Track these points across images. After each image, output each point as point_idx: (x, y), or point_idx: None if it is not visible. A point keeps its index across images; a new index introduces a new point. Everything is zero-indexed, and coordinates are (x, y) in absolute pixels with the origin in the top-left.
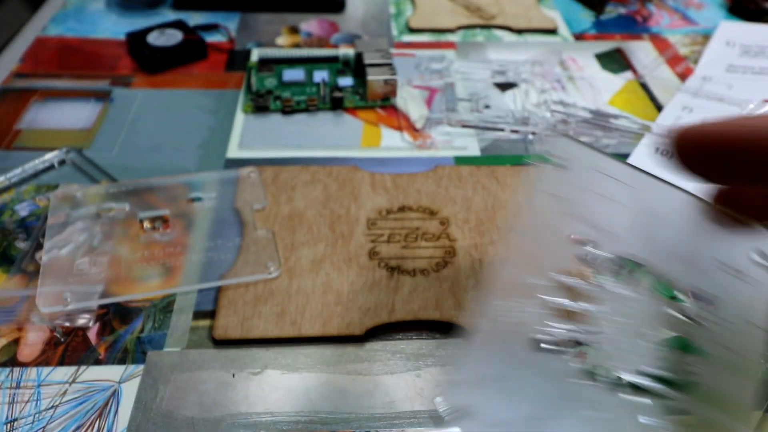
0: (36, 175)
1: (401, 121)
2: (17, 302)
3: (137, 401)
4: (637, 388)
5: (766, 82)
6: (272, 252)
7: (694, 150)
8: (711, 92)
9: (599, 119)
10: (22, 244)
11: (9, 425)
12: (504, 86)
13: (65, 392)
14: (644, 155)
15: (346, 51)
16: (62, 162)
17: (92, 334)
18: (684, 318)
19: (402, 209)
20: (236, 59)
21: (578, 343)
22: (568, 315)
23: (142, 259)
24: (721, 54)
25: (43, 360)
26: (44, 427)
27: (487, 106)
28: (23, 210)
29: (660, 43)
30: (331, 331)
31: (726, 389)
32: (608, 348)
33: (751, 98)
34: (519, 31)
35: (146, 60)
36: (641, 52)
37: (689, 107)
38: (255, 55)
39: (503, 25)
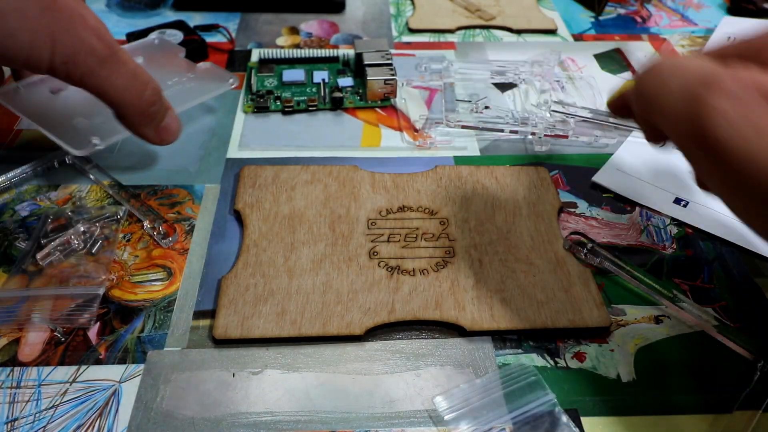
0: (36, 175)
1: (401, 121)
2: (17, 302)
3: (138, 401)
4: None
5: None
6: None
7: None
8: None
9: (598, 119)
10: (22, 244)
11: (9, 425)
12: (503, 86)
13: (65, 392)
14: (632, 150)
15: (346, 51)
16: (62, 162)
17: (93, 334)
18: None
19: (402, 209)
20: (236, 59)
21: None
22: None
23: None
24: None
25: (43, 360)
26: (45, 427)
27: (486, 107)
28: (24, 210)
29: (659, 43)
30: (331, 331)
31: None
32: None
33: None
34: (518, 32)
35: None
36: (640, 52)
37: None
38: (255, 55)
39: (503, 25)
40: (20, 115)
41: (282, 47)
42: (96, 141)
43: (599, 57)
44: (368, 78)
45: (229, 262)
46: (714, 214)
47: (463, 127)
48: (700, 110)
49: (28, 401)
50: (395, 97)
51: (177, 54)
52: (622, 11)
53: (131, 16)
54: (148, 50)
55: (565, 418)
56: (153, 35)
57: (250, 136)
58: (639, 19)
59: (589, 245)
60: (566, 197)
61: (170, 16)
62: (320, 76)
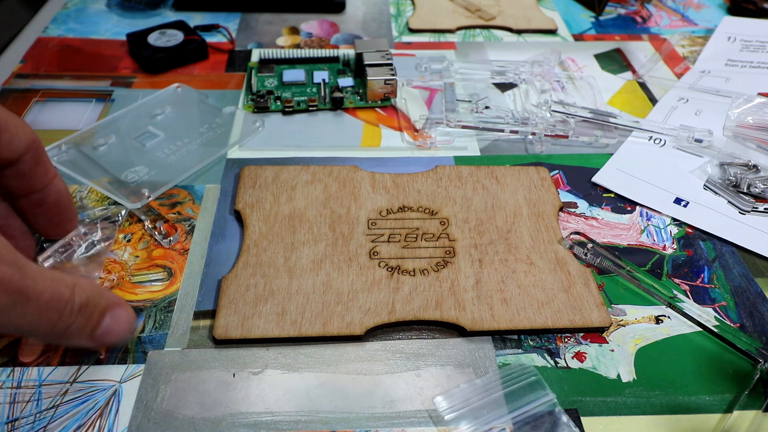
0: None
1: (401, 121)
2: None
3: (138, 401)
4: None
5: (763, 75)
6: None
7: None
8: (707, 84)
9: (599, 119)
10: None
11: (10, 425)
12: (504, 86)
13: (66, 392)
14: (632, 150)
15: (347, 51)
16: (63, 161)
17: None
18: None
19: (402, 209)
20: (237, 60)
21: None
22: None
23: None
24: (722, 48)
25: (44, 360)
26: (45, 427)
27: (486, 107)
28: None
29: (659, 43)
30: (331, 331)
31: None
32: None
33: (747, 91)
34: (519, 32)
35: (147, 61)
36: (640, 52)
37: (684, 98)
38: (255, 55)
39: (503, 25)
40: (69, 173)
41: (282, 47)
42: (147, 193)
43: (599, 57)
44: (368, 78)
45: (230, 262)
46: (714, 214)
47: (463, 127)
48: None
49: (29, 401)
50: (395, 97)
51: (202, 100)
52: (622, 11)
53: (131, 16)
54: (172, 100)
55: (565, 418)
56: (173, 85)
57: (251, 136)
58: (639, 19)
59: (589, 245)
60: (566, 197)
61: (170, 16)
62: (320, 76)
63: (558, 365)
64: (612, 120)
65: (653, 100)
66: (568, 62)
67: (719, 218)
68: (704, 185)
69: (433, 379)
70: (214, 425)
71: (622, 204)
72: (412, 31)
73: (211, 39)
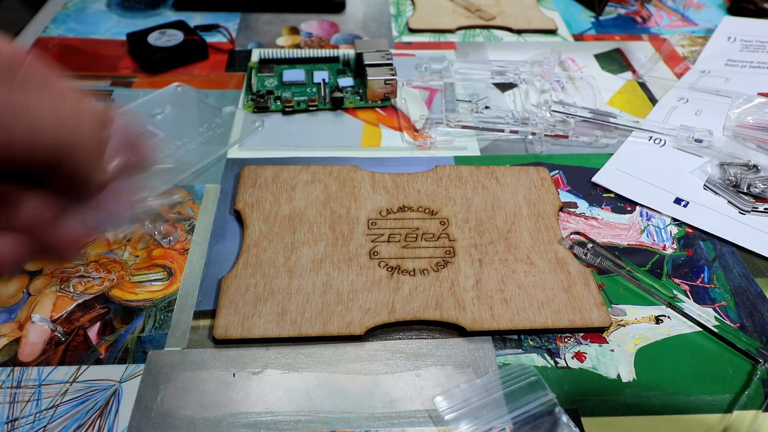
0: None
1: (401, 121)
2: (18, 302)
3: (138, 401)
4: None
5: (763, 75)
6: None
7: None
8: (707, 84)
9: (599, 119)
10: None
11: (10, 425)
12: (504, 86)
13: (66, 392)
14: (632, 150)
15: (347, 51)
16: None
17: (93, 334)
18: None
19: (402, 209)
20: (237, 60)
21: None
22: None
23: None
24: (722, 48)
25: (43, 360)
26: (45, 427)
27: (486, 107)
28: None
29: (659, 43)
30: (331, 331)
31: None
32: None
33: (747, 91)
34: (519, 32)
35: (147, 60)
36: (640, 52)
37: (684, 98)
38: (255, 55)
39: (503, 25)
40: None
41: (282, 47)
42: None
43: (599, 57)
44: (368, 78)
45: (230, 262)
46: (714, 214)
47: (463, 127)
48: None
49: (29, 401)
50: (395, 97)
51: (202, 100)
52: (622, 11)
53: (131, 16)
54: (172, 99)
55: (565, 418)
56: (173, 84)
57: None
58: (639, 19)
59: (589, 245)
60: (566, 197)
61: (170, 16)
62: (320, 76)
63: (558, 365)
64: (612, 120)
65: (653, 100)
66: (568, 62)
67: (719, 218)
68: (704, 185)
69: (433, 379)
70: (214, 425)
71: (622, 204)
72: (412, 31)
73: (211, 39)
